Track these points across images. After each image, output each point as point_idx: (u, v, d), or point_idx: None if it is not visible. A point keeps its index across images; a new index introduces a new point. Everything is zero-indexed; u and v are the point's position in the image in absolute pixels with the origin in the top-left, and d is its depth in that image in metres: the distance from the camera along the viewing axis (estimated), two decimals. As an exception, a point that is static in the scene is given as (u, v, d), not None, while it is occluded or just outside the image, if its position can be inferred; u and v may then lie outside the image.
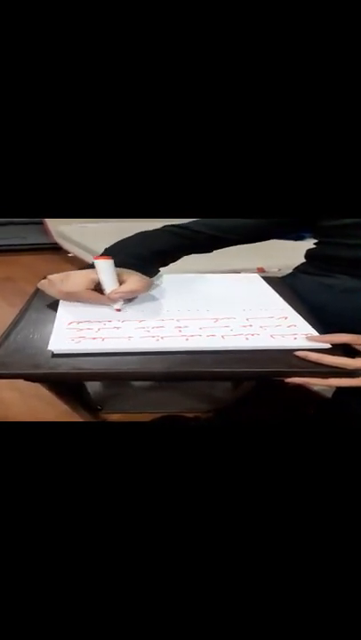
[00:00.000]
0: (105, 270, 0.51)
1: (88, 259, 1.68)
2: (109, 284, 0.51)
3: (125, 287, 0.52)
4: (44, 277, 0.55)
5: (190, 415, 0.89)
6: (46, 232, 2.07)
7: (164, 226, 0.63)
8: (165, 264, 0.63)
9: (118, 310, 0.53)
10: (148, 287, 0.55)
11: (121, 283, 0.52)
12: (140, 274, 0.54)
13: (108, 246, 0.60)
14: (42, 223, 2.07)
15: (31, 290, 0.61)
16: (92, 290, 0.52)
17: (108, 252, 0.58)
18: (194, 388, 0.97)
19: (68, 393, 0.65)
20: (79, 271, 0.54)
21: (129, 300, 0.56)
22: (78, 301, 0.54)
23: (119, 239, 0.61)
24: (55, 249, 2.12)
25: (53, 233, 2.02)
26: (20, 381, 0.43)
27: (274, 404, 0.81)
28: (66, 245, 1.95)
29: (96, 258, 0.51)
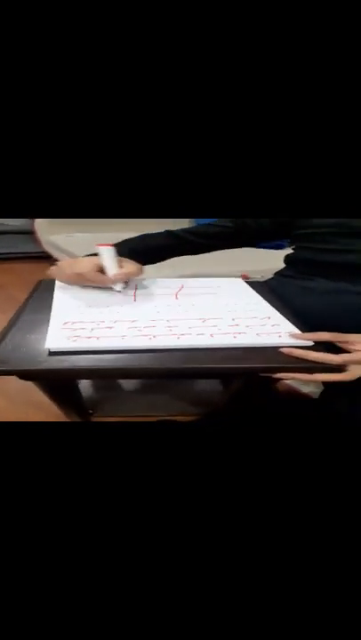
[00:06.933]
0: (107, 256, 0.58)
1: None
2: (111, 267, 0.59)
3: (124, 270, 0.59)
4: (38, 281, 0.57)
5: (181, 418, 0.90)
6: (36, 241, 2.08)
7: (165, 230, 0.72)
8: (154, 261, 0.71)
9: (119, 291, 0.61)
10: (141, 272, 0.63)
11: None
12: (133, 261, 0.62)
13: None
14: (32, 232, 2.09)
15: (21, 296, 0.63)
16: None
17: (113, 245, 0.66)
18: (185, 390, 0.98)
19: (62, 394, 0.66)
20: (86, 257, 0.61)
21: (126, 282, 0.63)
22: (85, 283, 0.61)
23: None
24: (45, 257, 2.13)
25: (43, 242, 2.04)
26: (10, 388, 0.44)
27: (264, 405, 0.83)
28: (55, 254, 1.96)
29: (99, 245, 0.58)
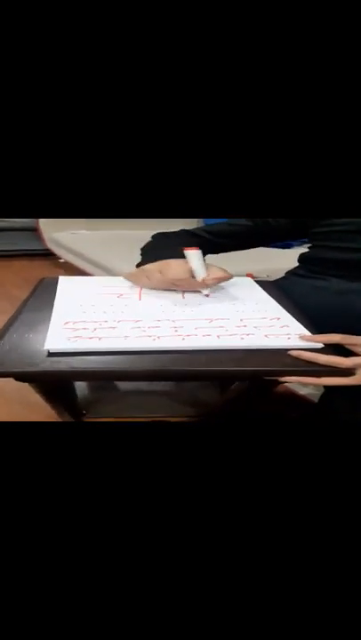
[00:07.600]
0: (197, 259, 0.57)
1: (79, 264, 1.71)
2: (201, 271, 0.58)
3: (217, 274, 0.58)
4: (40, 279, 0.55)
5: (177, 420, 0.89)
6: (40, 238, 2.08)
7: (181, 230, 0.69)
8: None
9: (207, 296, 0.60)
10: (229, 276, 0.61)
11: None
12: (217, 266, 0.60)
13: (142, 247, 0.67)
14: (34, 230, 2.08)
15: (20, 294, 0.61)
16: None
17: (148, 255, 0.65)
18: (182, 391, 0.96)
19: (58, 395, 0.64)
20: (175, 261, 0.59)
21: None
22: (177, 288, 0.60)
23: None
24: (46, 254, 2.12)
25: (47, 239, 2.03)
26: (5, 387, 0.43)
27: (261, 408, 0.81)
28: (58, 251, 1.95)
29: (187, 249, 0.57)
